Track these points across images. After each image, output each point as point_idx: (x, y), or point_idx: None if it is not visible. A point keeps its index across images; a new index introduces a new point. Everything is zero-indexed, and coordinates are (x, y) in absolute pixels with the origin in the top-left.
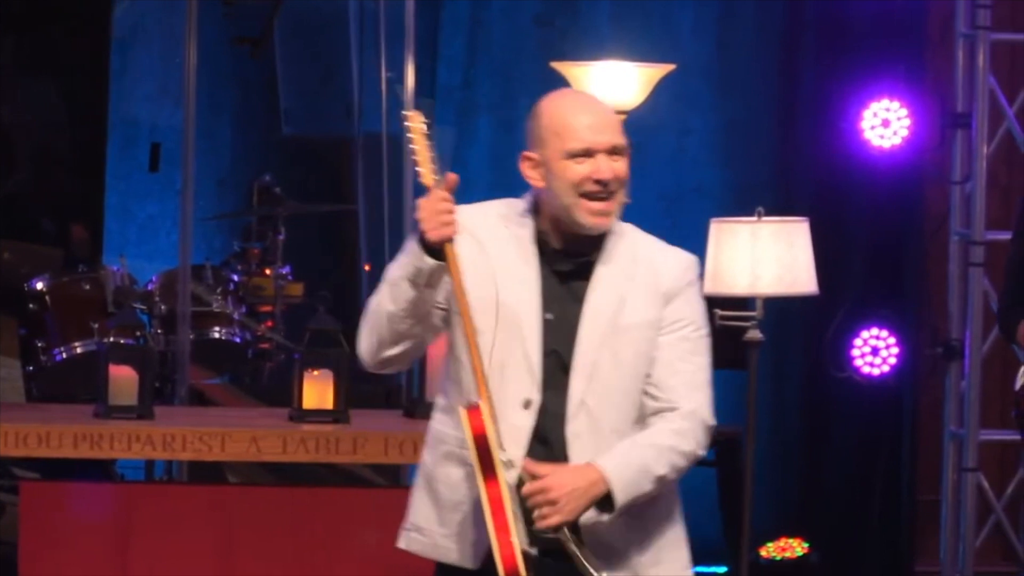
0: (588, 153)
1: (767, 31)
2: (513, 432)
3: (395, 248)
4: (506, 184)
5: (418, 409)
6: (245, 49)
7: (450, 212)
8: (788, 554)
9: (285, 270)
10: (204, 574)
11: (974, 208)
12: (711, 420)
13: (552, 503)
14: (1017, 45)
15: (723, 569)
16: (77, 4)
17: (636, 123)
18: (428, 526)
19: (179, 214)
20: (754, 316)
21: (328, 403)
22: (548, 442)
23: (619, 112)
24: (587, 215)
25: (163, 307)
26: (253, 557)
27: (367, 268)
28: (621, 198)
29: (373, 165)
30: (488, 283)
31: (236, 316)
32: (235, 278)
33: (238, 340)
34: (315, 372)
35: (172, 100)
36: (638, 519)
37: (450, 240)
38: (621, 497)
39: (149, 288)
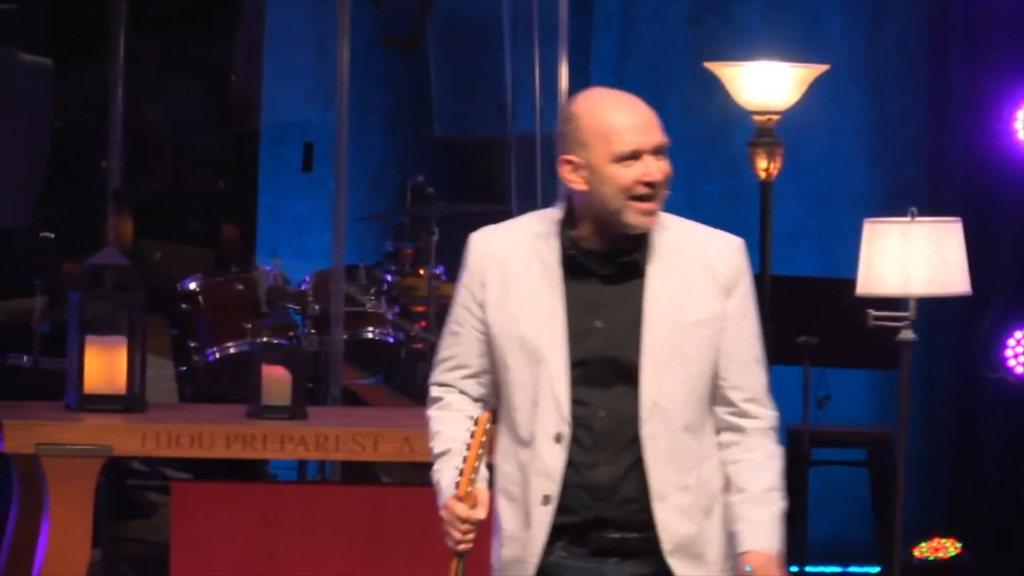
0: (636, 155)
1: (917, 29)
2: (547, 468)
3: None
4: None
5: None
6: (397, 49)
7: (464, 533)
8: (941, 554)
9: (439, 270)
10: (355, 574)
11: None
12: (776, 415)
13: None
14: None
15: (876, 569)
16: (230, 4)
17: (788, 123)
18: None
19: (331, 214)
20: (907, 316)
21: None
22: (615, 447)
23: (772, 113)
24: (637, 216)
25: (316, 307)
26: (406, 557)
27: None
28: (664, 194)
29: (526, 166)
30: (514, 321)
31: (389, 316)
32: (388, 278)
33: (391, 340)
34: None
35: (323, 100)
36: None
37: (458, 555)
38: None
39: (302, 288)
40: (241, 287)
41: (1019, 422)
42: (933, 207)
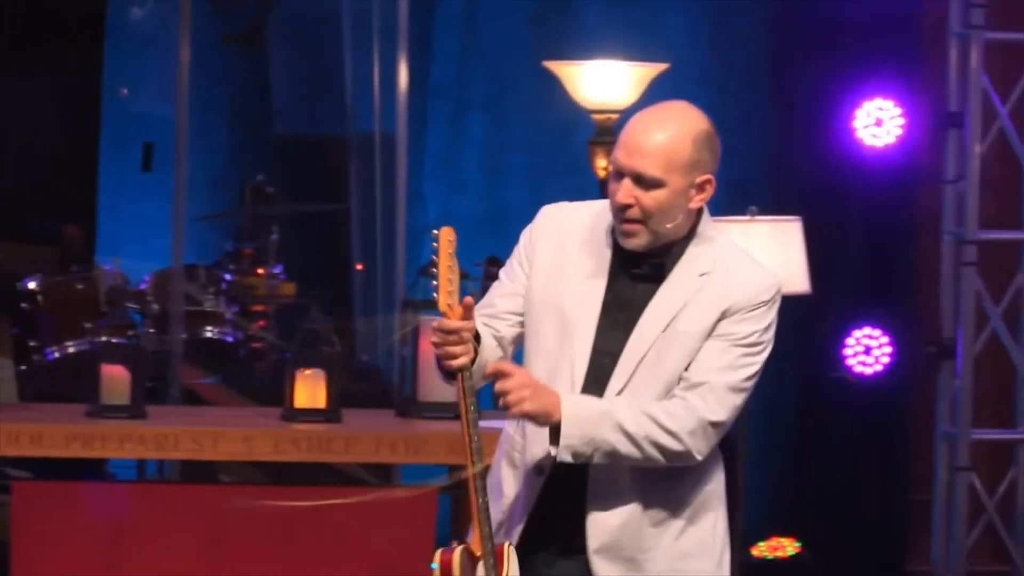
0: (619, 174)
1: (760, 30)
2: (545, 438)
3: (387, 247)
4: (498, 183)
5: (410, 408)
6: (237, 47)
7: (459, 343)
8: (780, 553)
9: (277, 269)
10: (196, 573)
11: (967, 207)
12: (713, 418)
13: (509, 385)
14: (1010, 44)
15: None
16: (71, 4)
17: None
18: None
19: (172, 214)
20: None
21: (320, 402)
22: None
23: (611, 111)
24: (618, 233)
25: (156, 307)
26: (245, 556)
27: (359, 267)
28: (654, 225)
29: (366, 164)
30: (556, 290)
31: (228, 316)
32: (228, 278)
33: (230, 339)
34: (307, 371)
35: (166, 99)
36: (664, 524)
37: (460, 370)
38: (567, 424)
39: (142, 288)
40: (81, 286)
41: (858, 421)
42: (774, 206)
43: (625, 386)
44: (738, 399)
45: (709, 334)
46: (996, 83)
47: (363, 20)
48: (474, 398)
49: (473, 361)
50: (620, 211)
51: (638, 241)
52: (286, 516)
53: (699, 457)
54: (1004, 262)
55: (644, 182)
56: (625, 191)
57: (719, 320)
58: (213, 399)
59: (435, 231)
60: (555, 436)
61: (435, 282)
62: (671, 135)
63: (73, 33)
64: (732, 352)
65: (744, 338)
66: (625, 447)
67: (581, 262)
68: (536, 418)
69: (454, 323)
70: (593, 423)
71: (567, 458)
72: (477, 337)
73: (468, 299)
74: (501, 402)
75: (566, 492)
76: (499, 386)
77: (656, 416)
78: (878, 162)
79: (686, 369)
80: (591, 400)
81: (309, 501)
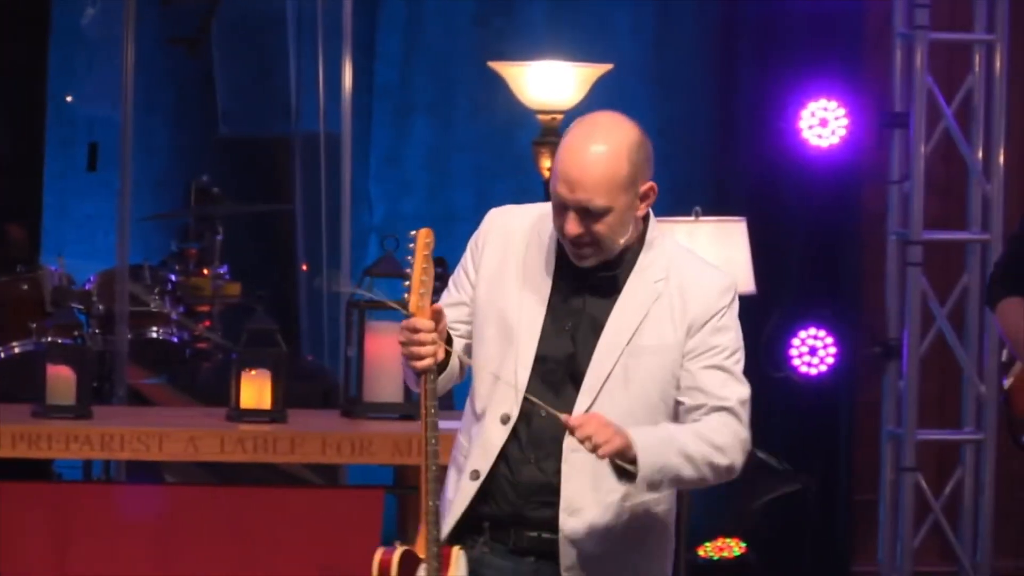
0: (562, 206)
1: (704, 30)
2: (487, 446)
3: (332, 247)
4: (443, 183)
5: (356, 409)
6: (182, 49)
7: (424, 345)
8: (726, 554)
9: (223, 270)
10: (142, 574)
11: (912, 208)
12: (744, 433)
13: (591, 430)
14: (955, 44)
15: None
16: (16, 5)
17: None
18: None
19: (117, 214)
20: None
21: (265, 403)
22: (545, 449)
23: (556, 112)
24: (569, 255)
25: (101, 307)
26: (191, 557)
27: (304, 268)
28: (607, 246)
29: (311, 165)
30: (500, 294)
31: (174, 316)
32: (173, 278)
33: (176, 340)
34: (252, 372)
35: (110, 100)
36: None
37: (424, 372)
38: (644, 455)
39: (87, 288)
40: (26, 287)
41: (803, 421)
42: (719, 207)
43: (592, 404)
44: (748, 407)
45: (680, 351)
46: (941, 83)
47: (307, 21)
48: (435, 402)
49: (444, 367)
50: (572, 240)
51: (592, 261)
52: (232, 516)
53: (738, 472)
54: (949, 262)
55: (592, 214)
56: (573, 223)
57: (688, 335)
58: (158, 399)
59: (413, 232)
60: (620, 469)
61: (407, 283)
62: (607, 160)
63: (18, 34)
64: (725, 367)
65: (724, 350)
66: (687, 471)
67: (526, 266)
68: (621, 454)
69: (422, 322)
70: (661, 451)
71: (644, 490)
72: (449, 342)
73: (437, 307)
74: (589, 448)
75: (504, 497)
76: (580, 434)
77: (707, 435)
78: (823, 162)
79: (684, 396)
80: (651, 429)
81: (255, 501)
